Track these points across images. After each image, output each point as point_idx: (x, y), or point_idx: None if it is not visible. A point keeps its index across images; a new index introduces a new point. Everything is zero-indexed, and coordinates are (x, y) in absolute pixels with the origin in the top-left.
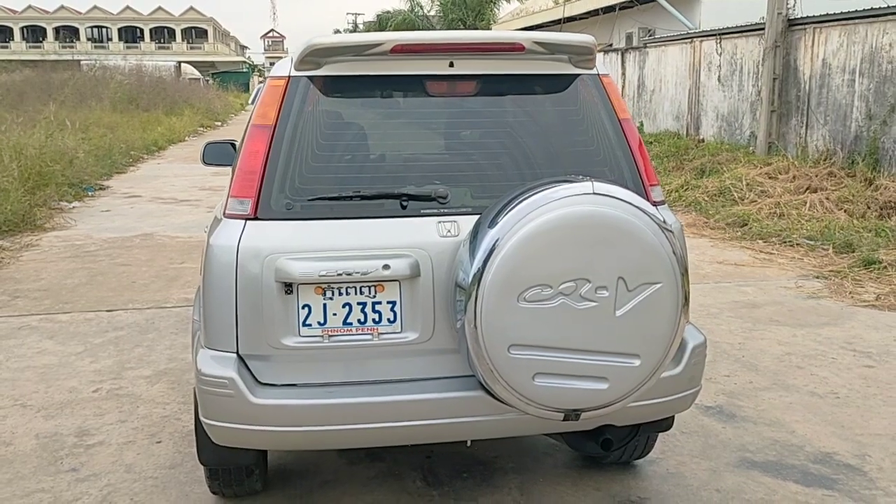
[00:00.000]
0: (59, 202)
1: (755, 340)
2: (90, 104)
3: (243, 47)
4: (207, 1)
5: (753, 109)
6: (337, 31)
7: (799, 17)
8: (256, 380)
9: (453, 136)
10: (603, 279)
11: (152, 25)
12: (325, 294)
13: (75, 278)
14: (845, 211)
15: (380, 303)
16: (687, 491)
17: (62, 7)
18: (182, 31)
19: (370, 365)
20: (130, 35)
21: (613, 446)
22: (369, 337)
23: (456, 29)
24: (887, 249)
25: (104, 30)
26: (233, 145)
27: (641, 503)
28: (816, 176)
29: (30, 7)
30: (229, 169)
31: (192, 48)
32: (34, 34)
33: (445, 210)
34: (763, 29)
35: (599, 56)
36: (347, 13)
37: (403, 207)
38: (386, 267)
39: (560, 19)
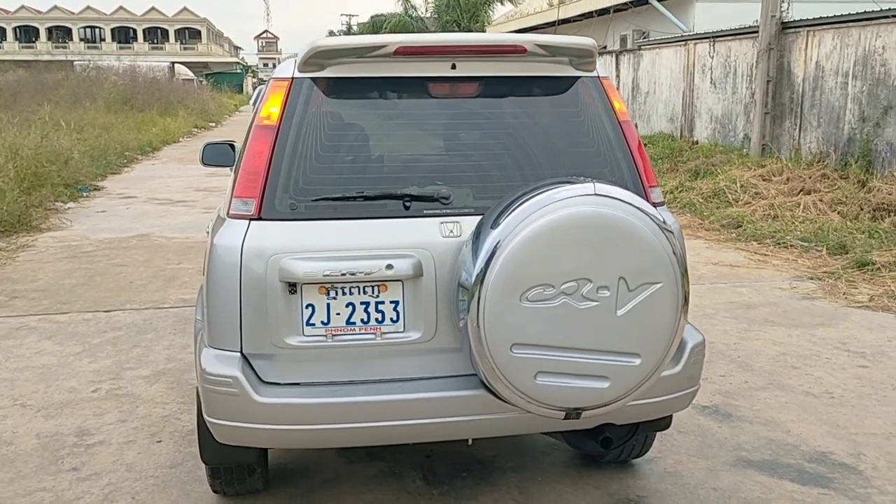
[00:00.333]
0: (55, 203)
1: (750, 341)
2: (84, 105)
3: (237, 48)
4: (201, 1)
5: (747, 112)
6: (331, 32)
7: (792, 20)
8: (260, 379)
9: (455, 138)
10: (604, 279)
11: (145, 26)
12: (328, 294)
13: (73, 279)
14: (839, 213)
15: (383, 302)
16: (684, 490)
17: (55, 7)
18: (175, 31)
19: (373, 364)
20: (123, 35)
21: (613, 445)
22: (372, 336)
23: (450, 30)
24: (880, 251)
25: (97, 30)
26: (231, 146)
27: (640, 501)
28: (810, 178)
29: (22, 7)
30: (225, 170)
31: (185, 49)
32: (27, 34)
33: (448, 210)
34: (757, 32)
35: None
36: (341, 14)
37: (406, 208)
38: (389, 267)
39: (554, 21)
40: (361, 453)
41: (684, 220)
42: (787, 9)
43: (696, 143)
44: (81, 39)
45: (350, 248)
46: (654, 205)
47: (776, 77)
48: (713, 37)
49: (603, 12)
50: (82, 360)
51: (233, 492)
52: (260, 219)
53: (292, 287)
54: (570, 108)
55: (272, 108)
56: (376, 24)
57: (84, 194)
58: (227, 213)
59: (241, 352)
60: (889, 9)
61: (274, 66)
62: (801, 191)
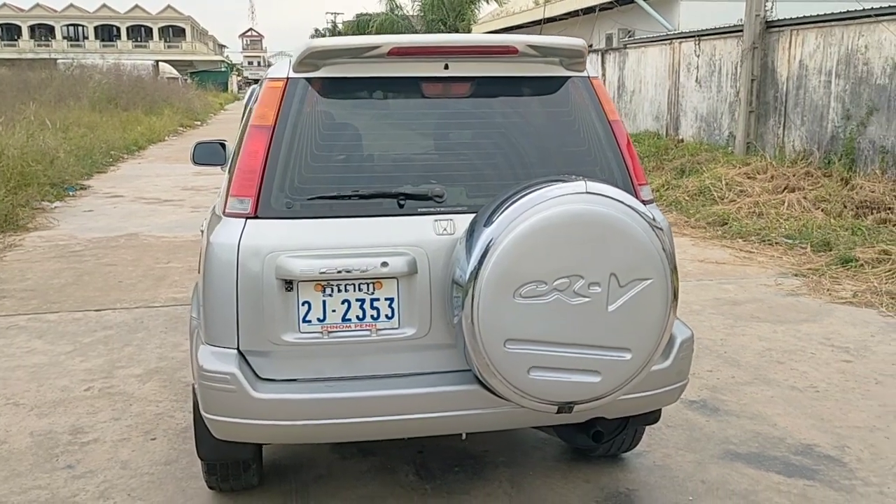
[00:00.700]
0: (42, 202)
1: (737, 336)
2: (69, 103)
3: (221, 46)
4: None
5: (732, 110)
6: (316, 31)
7: (776, 19)
8: (257, 375)
9: (448, 137)
10: (596, 275)
11: (129, 24)
12: (324, 291)
13: (61, 278)
14: (822, 210)
15: (378, 299)
16: (673, 482)
17: (37, 5)
18: (159, 29)
19: (369, 360)
20: (107, 33)
21: (604, 438)
22: (368, 333)
23: (436, 29)
24: (863, 248)
25: (80, 28)
26: (222, 145)
27: (630, 494)
28: (794, 176)
29: (4, 5)
30: (213, 169)
31: (169, 47)
32: (9, 32)
33: (442, 209)
34: (741, 31)
35: None
36: (327, 13)
37: (401, 206)
38: (384, 264)
39: (540, 20)
40: (354, 449)
41: (670, 217)
42: (772, 8)
43: (682, 141)
44: (64, 37)
45: (345, 245)
46: (644, 202)
47: (760, 76)
48: (698, 36)
49: (588, 11)
50: (74, 358)
51: (228, 488)
52: (256, 217)
53: (289, 284)
54: (560, 108)
55: (267, 108)
56: (361, 23)
57: (70, 193)
58: (224, 212)
59: (237, 349)
60: (871, 8)
61: (259, 64)
62: (785, 188)
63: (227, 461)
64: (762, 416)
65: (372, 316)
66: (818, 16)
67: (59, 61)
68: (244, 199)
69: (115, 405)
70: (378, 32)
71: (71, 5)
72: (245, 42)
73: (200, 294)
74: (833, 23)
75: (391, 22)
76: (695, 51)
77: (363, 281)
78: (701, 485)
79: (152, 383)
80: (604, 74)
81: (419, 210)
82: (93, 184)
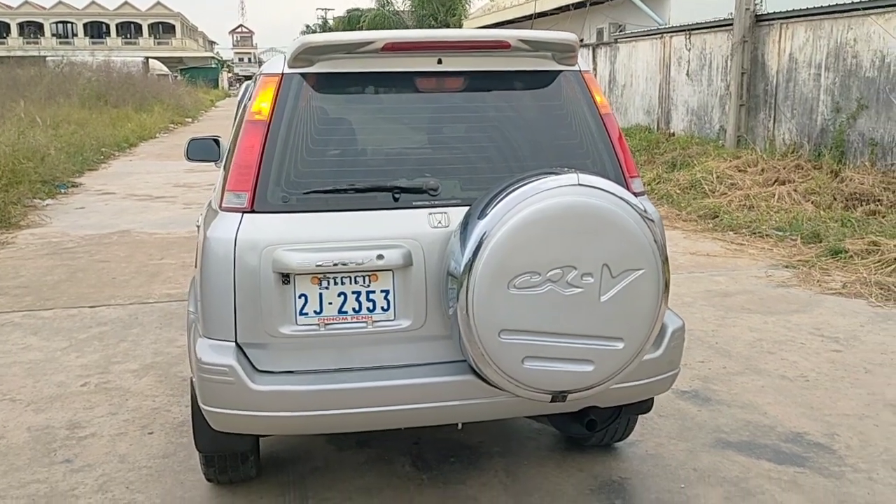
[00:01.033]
0: (33, 199)
1: (728, 328)
2: (59, 101)
3: (212, 43)
4: None
5: (722, 104)
6: (307, 27)
7: (766, 13)
8: (255, 367)
9: (442, 131)
10: (588, 266)
11: (118, 21)
12: (321, 284)
13: (55, 275)
14: (812, 202)
15: (374, 292)
16: (665, 471)
17: (26, 2)
18: (149, 26)
19: (365, 351)
20: (96, 30)
21: (598, 427)
22: (364, 325)
23: (427, 25)
24: (853, 239)
25: (69, 25)
26: (216, 141)
27: (623, 483)
28: (784, 168)
29: None
30: (206, 165)
31: (159, 44)
32: None
33: (436, 202)
34: (731, 24)
35: None
36: (317, 9)
37: (395, 200)
38: (380, 257)
39: (531, 15)
40: (351, 441)
41: (662, 211)
42: (761, 1)
43: (673, 134)
44: (53, 35)
45: (341, 239)
46: (635, 194)
47: (750, 69)
48: (689, 29)
49: (579, 5)
50: (69, 354)
51: (226, 479)
52: (253, 211)
53: (285, 278)
54: (553, 102)
55: (263, 104)
56: (352, 19)
57: (62, 191)
58: (220, 206)
59: (235, 341)
60: (860, 1)
61: (249, 60)
62: (775, 181)
63: (224, 453)
64: (753, 405)
65: (368, 308)
66: (807, 9)
67: (48, 59)
68: (240, 193)
69: (112, 400)
70: (369, 28)
71: (60, 2)
72: (235, 38)
73: (198, 288)
74: (822, 16)
75: (382, 17)
76: (685, 45)
77: (359, 273)
78: (693, 472)
79: (148, 378)
80: (595, 69)
81: (414, 203)
82: (84, 181)
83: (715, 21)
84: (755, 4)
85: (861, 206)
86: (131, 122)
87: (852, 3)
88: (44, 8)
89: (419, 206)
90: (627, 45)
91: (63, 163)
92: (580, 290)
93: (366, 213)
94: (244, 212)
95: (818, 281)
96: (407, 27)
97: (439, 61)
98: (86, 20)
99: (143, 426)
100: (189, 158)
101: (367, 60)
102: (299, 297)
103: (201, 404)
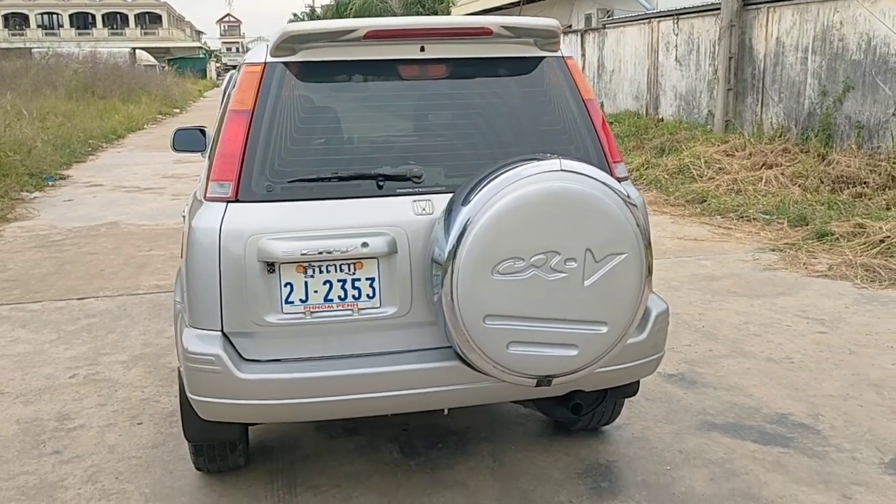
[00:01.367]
0: (20, 192)
1: (714, 311)
2: (45, 93)
3: (199, 32)
4: None
5: (710, 88)
6: (294, 15)
7: None
8: (241, 356)
9: (426, 118)
10: (572, 251)
11: (104, 11)
12: (306, 272)
13: (43, 268)
14: (799, 186)
15: (359, 279)
16: (652, 453)
17: None
18: (135, 16)
19: (351, 339)
20: (82, 21)
21: (583, 411)
22: (350, 312)
23: (415, 12)
24: (839, 222)
25: (55, 16)
26: (202, 132)
27: (609, 466)
28: (772, 152)
29: None
30: (194, 156)
31: (146, 34)
32: None
33: (420, 189)
34: (719, 9)
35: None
36: None
37: (380, 187)
38: (364, 245)
39: (519, 1)
40: (340, 428)
41: (650, 196)
42: None
43: (662, 120)
44: (39, 26)
45: (326, 227)
46: (619, 179)
47: (738, 53)
48: (676, 14)
49: None
50: (58, 347)
51: (216, 468)
52: (237, 201)
53: (271, 266)
54: (536, 88)
55: (246, 93)
56: (340, 7)
57: (50, 183)
58: (205, 197)
59: (221, 330)
60: None
61: (237, 50)
62: (763, 165)
63: (213, 442)
64: (739, 387)
65: (353, 296)
66: None
67: (34, 50)
68: (225, 183)
69: (101, 391)
70: (357, 16)
71: None
72: (223, 28)
73: (184, 278)
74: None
75: (369, 5)
76: (673, 29)
77: (344, 261)
78: (678, 454)
79: (137, 369)
80: (583, 55)
81: (398, 191)
82: (72, 173)
83: (702, 5)
84: None
85: (847, 188)
86: (119, 114)
87: None
88: None
89: (403, 193)
90: (615, 30)
91: (50, 155)
92: (564, 274)
93: (350, 202)
94: (229, 201)
95: (804, 263)
96: (394, 14)
97: (422, 49)
98: (71, 11)
99: (132, 417)
100: (175, 149)
101: (350, 48)
102: (285, 285)
103: (189, 394)
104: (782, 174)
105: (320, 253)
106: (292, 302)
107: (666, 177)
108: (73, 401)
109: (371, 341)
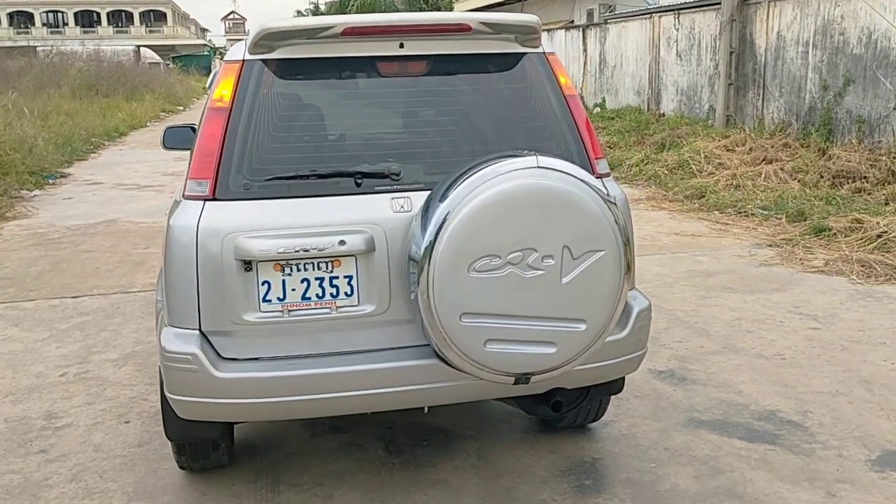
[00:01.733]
0: (20, 191)
1: (708, 307)
2: (49, 91)
3: (204, 30)
4: None
5: (712, 83)
6: (298, 12)
7: None
8: (219, 355)
9: (405, 115)
10: (549, 248)
11: (109, 9)
12: (283, 270)
13: (39, 266)
14: (799, 181)
15: (337, 277)
16: (637, 450)
17: None
18: (140, 14)
19: (330, 337)
20: (87, 19)
21: (564, 408)
22: (328, 310)
23: (417, 9)
24: (837, 217)
25: (59, 14)
26: (193, 129)
27: (594, 463)
28: (772, 147)
29: None
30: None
31: (150, 32)
32: None
33: (399, 186)
34: (720, 3)
35: (559, 33)
36: None
37: (358, 185)
38: (342, 242)
39: None
40: (325, 426)
41: (649, 191)
42: None
43: (663, 115)
44: (44, 24)
45: (303, 225)
46: (600, 176)
47: (739, 48)
48: (677, 9)
49: None
50: (50, 345)
51: (199, 467)
52: (214, 199)
53: (248, 265)
54: (516, 84)
55: (224, 91)
56: (343, 4)
57: (50, 181)
58: (183, 195)
59: (199, 329)
60: None
61: None
62: (763, 160)
63: (195, 441)
64: (728, 384)
65: (331, 294)
66: None
67: (38, 49)
68: (202, 181)
69: (90, 390)
70: (358, 13)
71: None
72: (227, 25)
73: (163, 277)
74: None
75: (372, 3)
76: (674, 24)
77: (322, 259)
78: (664, 452)
79: (127, 367)
80: (585, 50)
81: (376, 188)
82: (73, 171)
83: (703, 0)
84: None
85: (847, 183)
86: (122, 112)
87: None
88: None
89: (381, 191)
90: (617, 25)
91: (52, 153)
92: (541, 272)
93: (328, 199)
94: (206, 199)
95: (801, 259)
96: (397, 11)
97: (401, 45)
98: (76, 9)
99: (119, 415)
100: (165, 147)
101: (329, 46)
102: (262, 283)
103: (167, 392)
104: (782, 169)
105: (297, 251)
106: (270, 300)
107: (665, 172)
108: (61, 399)
109: (350, 339)
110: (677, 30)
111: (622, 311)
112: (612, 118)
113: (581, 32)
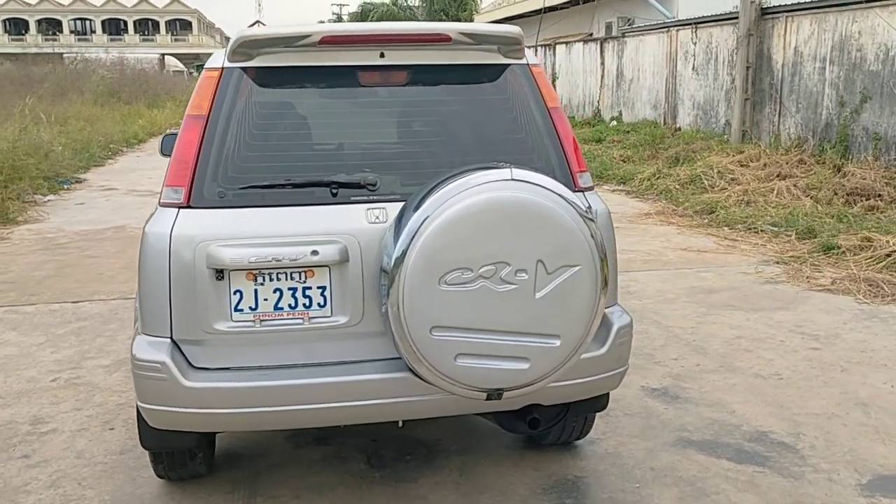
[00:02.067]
0: (34, 195)
1: (707, 325)
2: (71, 97)
3: (228, 39)
4: None
5: (728, 98)
6: (321, 23)
7: (771, 5)
8: (190, 364)
9: (384, 126)
10: (522, 262)
11: (136, 18)
12: (256, 280)
13: (43, 270)
14: (812, 197)
15: (310, 288)
16: (622, 470)
17: None
18: (166, 23)
19: (302, 348)
20: (114, 27)
21: (541, 426)
22: (300, 321)
23: (437, 19)
24: (847, 235)
25: (87, 22)
26: None
27: (577, 482)
28: (787, 163)
29: None
30: None
31: (176, 40)
32: (16, 26)
33: (374, 197)
34: (737, 18)
35: (577, 46)
36: (332, 3)
37: (334, 195)
38: (315, 253)
39: (541, 9)
40: (309, 438)
41: (659, 206)
42: None
43: (679, 129)
44: (72, 32)
45: (277, 234)
46: (582, 189)
47: (756, 63)
48: (695, 23)
49: (589, 0)
50: (44, 350)
51: (176, 476)
52: (189, 207)
53: (220, 273)
54: (498, 95)
55: (202, 98)
56: (364, 13)
57: (65, 187)
58: (159, 202)
59: (171, 338)
60: None
61: None
62: (777, 176)
63: (170, 450)
64: (721, 403)
65: (304, 304)
66: (812, 2)
67: (64, 55)
68: (178, 188)
69: (79, 395)
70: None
71: None
72: None
73: (138, 284)
74: (827, 9)
75: (391, 13)
76: (691, 38)
77: (294, 269)
78: (650, 472)
79: (119, 374)
80: (602, 63)
81: (352, 198)
82: (89, 177)
83: (721, 14)
84: None
85: (861, 201)
86: (142, 119)
87: None
88: (62, 5)
89: (357, 201)
90: (634, 39)
91: (68, 159)
92: (514, 286)
93: (303, 209)
94: (180, 207)
95: (807, 277)
96: (417, 20)
97: (382, 55)
98: (104, 17)
99: (105, 422)
100: (163, 153)
101: (308, 54)
102: (234, 293)
103: (138, 401)
104: (795, 186)
105: (270, 260)
106: (242, 310)
107: (677, 187)
108: (49, 404)
109: (322, 351)
110: (694, 44)
111: (601, 327)
112: (628, 132)
113: (599, 46)
